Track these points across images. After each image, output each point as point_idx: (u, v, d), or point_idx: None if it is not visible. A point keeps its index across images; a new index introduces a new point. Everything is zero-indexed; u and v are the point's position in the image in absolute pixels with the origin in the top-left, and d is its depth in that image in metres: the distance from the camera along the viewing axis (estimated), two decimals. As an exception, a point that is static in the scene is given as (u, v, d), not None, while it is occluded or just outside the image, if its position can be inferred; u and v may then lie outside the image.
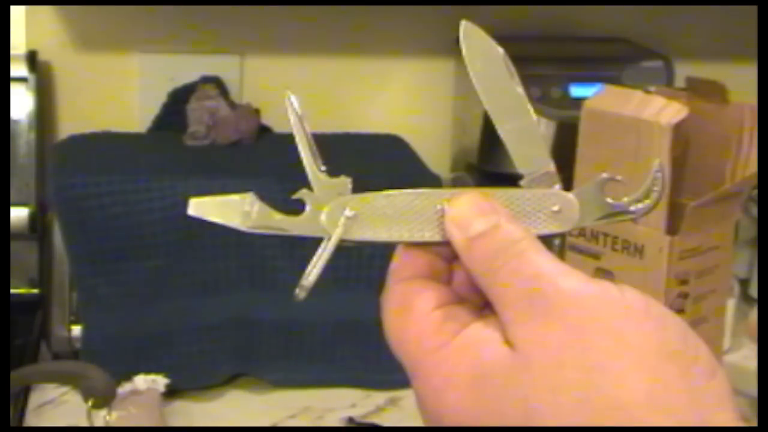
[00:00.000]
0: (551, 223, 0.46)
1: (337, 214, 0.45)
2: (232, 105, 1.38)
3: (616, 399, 0.39)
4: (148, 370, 1.15)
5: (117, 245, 1.19)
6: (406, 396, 1.23)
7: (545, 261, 0.42)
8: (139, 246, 1.19)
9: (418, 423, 1.33)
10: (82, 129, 1.37)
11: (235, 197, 0.45)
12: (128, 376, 1.13)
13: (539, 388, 0.40)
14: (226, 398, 1.22)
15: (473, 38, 0.48)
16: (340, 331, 1.24)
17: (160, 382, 1.14)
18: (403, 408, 1.21)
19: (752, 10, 1.25)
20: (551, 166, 0.47)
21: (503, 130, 0.47)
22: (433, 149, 1.45)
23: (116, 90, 1.45)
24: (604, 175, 0.47)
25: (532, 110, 0.47)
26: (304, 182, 1.37)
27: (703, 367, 0.40)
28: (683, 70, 1.35)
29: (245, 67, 1.46)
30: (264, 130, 1.40)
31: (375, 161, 1.29)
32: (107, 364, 1.04)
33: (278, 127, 1.42)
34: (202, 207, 0.45)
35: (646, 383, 0.39)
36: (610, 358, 0.39)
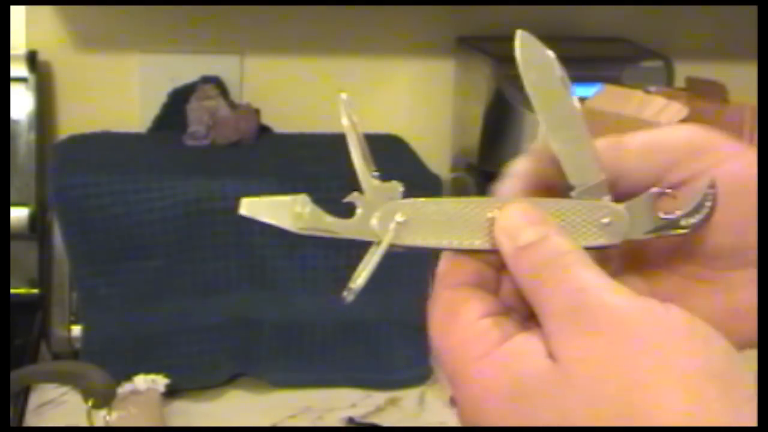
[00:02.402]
0: (600, 236, 0.46)
1: (387, 218, 0.45)
2: (232, 105, 1.38)
3: (655, 417, 0.39)
4: (148, 370, 1.15)
5: (117, 245, 1.19)
6: (406, 396, 1.23)
7: (592, 275, 0.42)
8: (139, 246, 1.19)
9: (418, 423, 1.32)
10: (82, 129, 1.37)
11: (286, 198, 0.45)
12: (128, 376, 1.13)
13: (578, 402, 0.40)
14: (226, 398, 1.22)
15: (529, 48, 0.47)
16: (340, 331, 1.24)
17: (160, 382, 1.14)
18: (403, 408, 1.21)
19: (752, 10, 1.25)
20: (602, 178, 0.46)
21: (555, 141, 0.46)
22: (433, 149, 1.45)
23: (116, 90, 1.45)
24: (655, 189, 0.46)
25: (584, 121, 0.47)
26: (304, 182, 1.36)
27: (745, 389, 0.40)
28: (683, 70, 1.35)
29: (245, 67, 1.46)
30: (264, 130, 1.40)
31: (375, 161, 1.29)
32: (107, 364, 1.04)
33: (278, 127, 1.42)
34: (253, 207, 0.45)
35: (687, 403, 0.39)
36: (651, 376, 0.39)
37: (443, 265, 0.46)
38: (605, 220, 0.46)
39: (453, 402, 1.21)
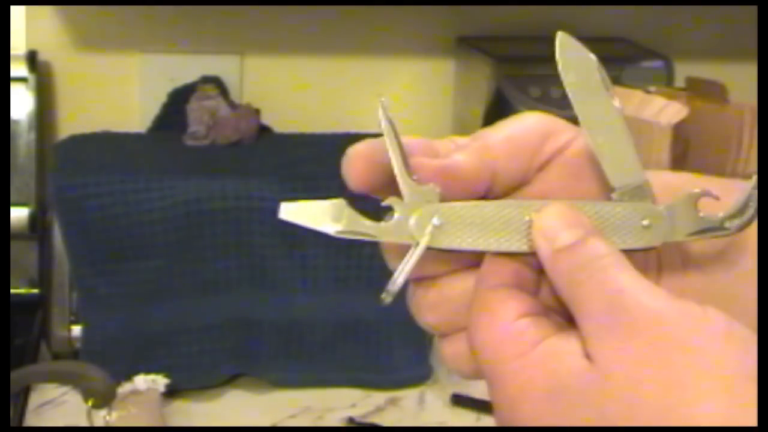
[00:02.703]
0: (640, 238, 0.45)
1: (425, 221, 0.45)
2: (232, 105, 1.38)
3: (693, 418, 0.38)
4: (148, 370, 1.15)
5: (117, 245, 1.19)
6: (406, 396, 1.23)
7: (628, 277, 0.42)
8: (139, 246, 1.19)
9: (418, 423, 1.32)
10: (82, 129, 1.37)
11: (325, 202, 0.46)
12: (128, 376, 1.13)
13: (616, 402, 0.40)
14: (226, 398, 1.22)
15: (568, 49, 0.46)
16: (340, 331, 1.24)
17: (160, 382, 1.14)
18: (403, 408, 1.21)
19: (752, 10, 1.25)
20: (643, 180, 0.46)
21: (596, 143, 0.46)
22: (433, 149, 1.45)
23: (116, 90, 1.45)
24: (697, 189, 0.46)
25: (625, 122, 0.46)
26: (304, 182, 1.36)
27: None
28: (683, 70, 1.35)
29: (245, 67, 1.46)
30: (264, 130, 1.40)
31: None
32: (107, 364, 1.04)
33: (278, 127, 1.42)
34: (292, 211, 0.45)
35: (725, 404, 0.38)
36: (689, 377, 0.39)
37: (483, 267, 0.46)
38: (645, 222, 0.45)
39: (457, 402, 1.21)
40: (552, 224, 0.44)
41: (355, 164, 0.46)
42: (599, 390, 0.40)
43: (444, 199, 0.45)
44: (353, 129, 1.43)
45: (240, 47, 1.46)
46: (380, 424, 1.17)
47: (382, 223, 0.46)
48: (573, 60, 0.46)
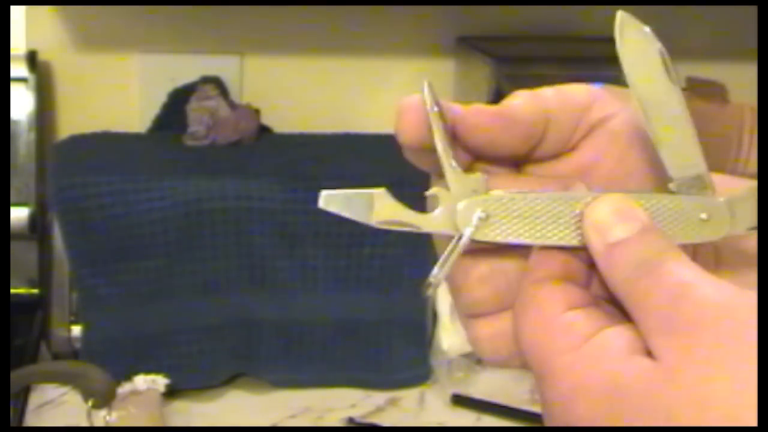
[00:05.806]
0: (698, 232, 0.43)
1: (470, 212, 0.43)
2: (232, 105, 1.38)
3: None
4: (148, 370, 1.15)
5: (117, 245, 1.19)
6: (406, 396, 1.23)
7: (690, 271, 0.40)
8: (139, 246, 1.19)
9: (418, 423, 1.32)
10: (82, 129, 1.37)
11: (366, 191, 0.44)
12: (128, 376, 1.13)
13: (685, 403, 0.37)
14: (226, 398, 1.22)
15: (629, 31, 0.44)
16: (340, 331, 1.24)
17: (160, 382, 1.14)
18: (403, 408, 1.21)
19: (752, 10, 1.25)
20: (702, 170, 0.44)
21: (654, 130, 0.44)
22: (433, 149, 1.45)
23: (116, 90, 1.45)
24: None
25: (686, 109, 0.44)
26: (304, 182, 1.36)
27: None
28: (683, 70, 1.35)
29: (245, 67, 1.46)
30: (264, 130, 1.40)
31: (375, 161, 1.29)
32: (107, 364, 1.04)
33: (278, 127, 1.42)
34: (331, 200, 0.43)
35: None
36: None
37: (530, 259, 0.44)
38: (703, 216, 0.43)
39: (457, 402, 1.21)
40: (605, 217, 0.42)
41: (408, 116, 0.44)
42: (665, 389, 0.38)
43: (490, 186, 0.43)
44: (353, 129, 1.43)
45: (240, 47, 1.46)
46: (380, 424, 1.17)
47: (425, 214, 0.44)
48: (634, 42, 0.44)
